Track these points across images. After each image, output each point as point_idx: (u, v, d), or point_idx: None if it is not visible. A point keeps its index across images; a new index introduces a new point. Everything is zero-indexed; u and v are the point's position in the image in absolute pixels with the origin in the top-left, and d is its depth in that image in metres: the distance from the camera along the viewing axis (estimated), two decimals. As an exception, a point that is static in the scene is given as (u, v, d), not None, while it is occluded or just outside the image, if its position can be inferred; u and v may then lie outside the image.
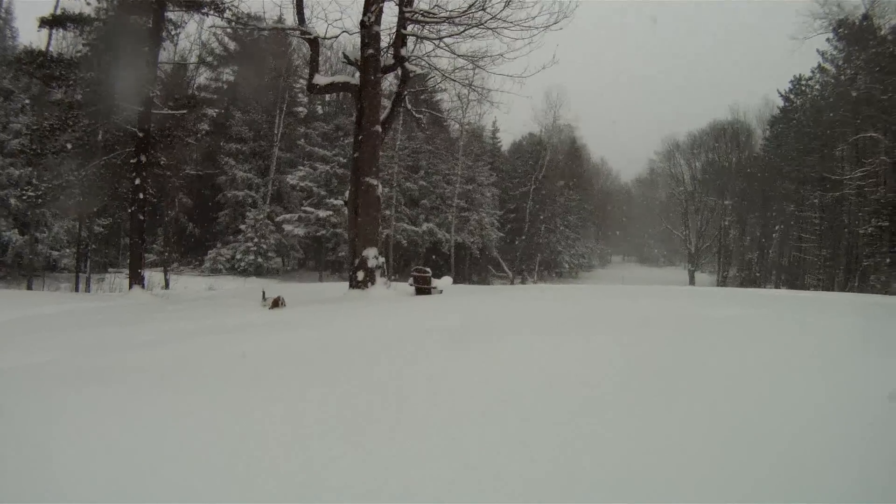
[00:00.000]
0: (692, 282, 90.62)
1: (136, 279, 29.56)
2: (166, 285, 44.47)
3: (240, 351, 9.53)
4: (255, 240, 60.74)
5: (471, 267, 73.63)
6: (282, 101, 63.85)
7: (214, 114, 66.75)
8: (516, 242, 78.72)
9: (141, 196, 29.44)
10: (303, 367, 8.49)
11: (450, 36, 25.13)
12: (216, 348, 10.53)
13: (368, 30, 22.46)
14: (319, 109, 71.78)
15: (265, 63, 63.40)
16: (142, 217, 29.94)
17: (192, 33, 40.58)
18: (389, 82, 30.16)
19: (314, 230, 61.40)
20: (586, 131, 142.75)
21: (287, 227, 61.55)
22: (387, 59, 24.50)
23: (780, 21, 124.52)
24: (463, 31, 24.50)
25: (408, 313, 14.50)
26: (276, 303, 18.37)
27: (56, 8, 33.55)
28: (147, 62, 29.53)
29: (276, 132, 64.12)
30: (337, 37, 26.22)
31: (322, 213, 60.09)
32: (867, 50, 56.37)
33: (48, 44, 38.58)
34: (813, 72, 70.96)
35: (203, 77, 72.22)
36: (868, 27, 57.00)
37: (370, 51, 22.52)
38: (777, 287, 68.70)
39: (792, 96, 76.25)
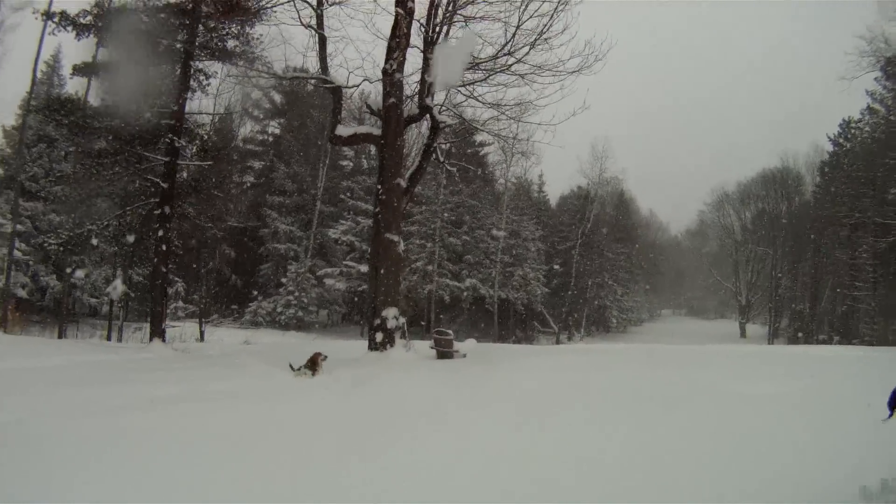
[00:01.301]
0: (743, 335, 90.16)
1: (157, 332, 28.90)
2: (201, 337, 43.84)
3: (205, 426, 9.22)
4: (296, 293, 60.45)
5: (515, 322, 72.46)
6: (325, 155, 63.60)
7: (259, 166, 67.16)
8: (563, 297, 77.21)
9: (164, 248, 28.74)
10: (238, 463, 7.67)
11: (476, 83, 24.39)
12: (174, 422, 9.87)
13: (390, 77, 21.76)
14: (364, 164, 71.44)
15: (309, 116, 63.25)
16: (164, 269, 29.28)
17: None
18: (421, 133, 29.62)
19: (356, 285, 61.05)
20: (634, 183, 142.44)
21: (328, 282, 61.29)
22: (412, 108, 23.73)
23: (829, 62, 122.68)
24: (487, 77, 23.75)
25: (410, 389, 13.75)
26: (314, 364, 16.69)
27: (95, 56, 33.02)
28: (173, 112, 29.00)
29: (318, 185, 63.72)
30: (358, 86, 25.61)
31: (364, 268, 58.58)
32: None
33: (87, 92, 38.16)
34: (862, 113, 69.35)
35: (248, 129, 72.42)
36: (917, 63, 55.92)
37: (392, 99, 21.79)
38: (829, 339, 67.25)
39: (842, 140, 74.37)
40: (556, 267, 78.37)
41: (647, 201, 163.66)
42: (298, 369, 16.68)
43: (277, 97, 70.13)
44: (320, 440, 8.75)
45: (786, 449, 7.65)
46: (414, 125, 33.30)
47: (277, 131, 72.30)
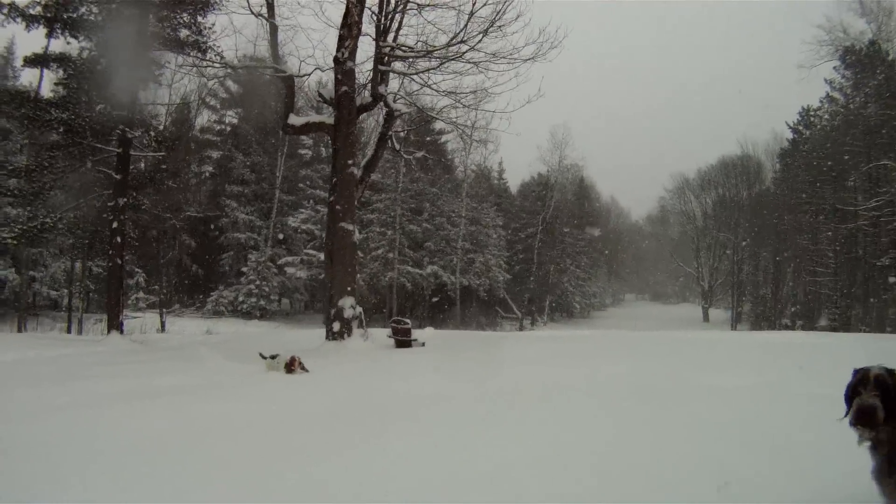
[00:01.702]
0: (706, 319, 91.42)
1: (114, 324, 28.77)
2: (162, 328, 43.60)
3: (145, 425, 8.85)
4: (258, 282, 60.23)
5: (478, 308, 72.55)
6: (283, 144, 63.42)
7: (218, 156, 66.83)
8: (525, 283, 77.42)
9: (118, 240, 28.55)
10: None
11: (428, 70, 24.35)
12: (113, 422, 9.52)
13: (342, 66, 21.68)
14: (323, 152, 71.15)
15: (266, 106, 62.97)
16: (120, 261, 29.09)
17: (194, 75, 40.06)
18: (378, 122, 29.56)
19: (317, 273, 60.39)
20: (595, 170, 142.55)
21: (290, 270, 61.11)
22: (365, 97, 23.67)
23: (787, 51, 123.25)
24: (441, 66, 23.73)
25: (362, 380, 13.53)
26: (292, 365, 15.14)
27: (47, 48, 32.76)
28: (125, 103, 28.80)
29: (277, 174, 63.61)
30: (310, 74, 25.58)
31: (324, 256, 58.73)
32: (876, 76, 55.68)
33: (39, 83, 37.86)
34: (821, 101, 70.03)
35: (205, 119, 72.06)
36: (875, 53, 56.54)
37: (344, 88, 21.72)
38: (792, 324, 67.73)
39: (801, 128, 74.86)
40: (519, 252, 78.50)
41: (607, 188, 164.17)
42: (272, 357, 15.67)
43: (234, 87, 69.77)
44: (270, 439, 8.09)
45: (771, 446, 7.46)
46: (370, 114, 33.25)
47: (235, 121, 71.89)
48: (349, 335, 20.69)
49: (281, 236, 64.83)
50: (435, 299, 67.51)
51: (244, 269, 61.90)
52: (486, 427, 8.47)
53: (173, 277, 61.37)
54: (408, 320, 22.80)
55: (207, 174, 70.37)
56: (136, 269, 55.54)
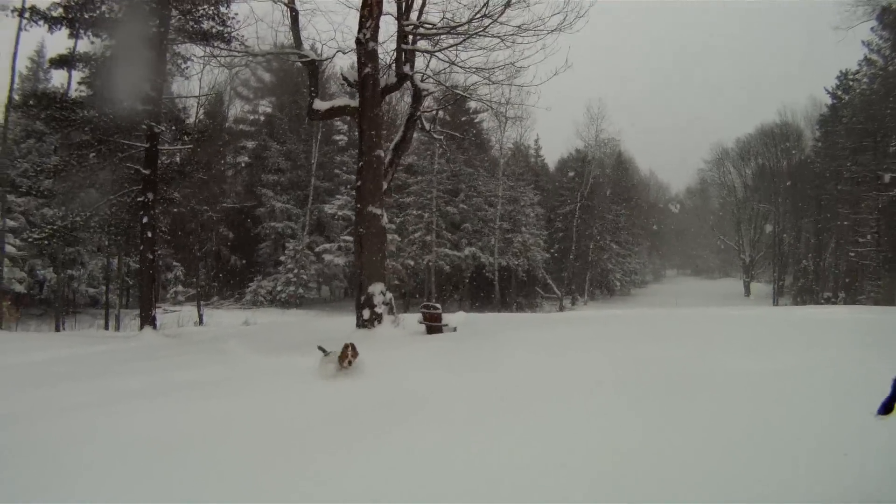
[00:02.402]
0: (748, 293, 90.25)
1: (147, 320, 28.59)
2: (200, 321, 43.52)
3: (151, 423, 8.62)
4: (296, 271, 60.50)
5: (517, 289, 72.13)
6: (317, 131, 63.39)
7: (253, 146, 66.92)
8: (564, 262, 77.21)
9: (149, 235, 28.39)
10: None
11: (453, 47, 23.88)
12: (117, 421, 9.20)
13: (364, 47, 21.17)
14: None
15: (299, 93, 62.96)
16: (151, 256, 28.91)
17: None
18: (406, 102, 29.28)
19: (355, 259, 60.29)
20: (633, 144, 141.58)
21: (327, 258, 60.92)
22: (390, 77, 23.29)
23: (824, 13, 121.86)
24: (465, 41, 23.25)
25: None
26: (345, 358, 11.77)
27: (74, 49, 32.96)
28: (150, 97, 28.61)
29: (312, 161, 63.48)
30: (332, 58, 25.27)
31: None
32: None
33: (69, 84, 37.95)
34: (860, 65, 68.13)
35: (239, 109, 72.18)
36: (914, 12, 55.36)
37: (367, 69, 21.20)
38: (835, 296, 66.98)
39: (840, 92, 72.82)
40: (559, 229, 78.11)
41: (646, 162, 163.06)
42: (326, 353, 12.52)
43: (266, 76, 69.96)
44: (284, 439, 7.70)
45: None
46: (400, 95, 32.97)
47: (269, 110, 71.90)
48: (379, 322, 20.29)
49: (317, 223, 64.66)
50: (474, 281, 67.35)
51: (282, 258, 62.12)
52: (493, 426, 7.99)
53: (211, 269, 61.58)
54: (438, 305, 22.20)
55: (243, 164, 70.51)
56: (175, 263, 55.76)
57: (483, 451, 6.88)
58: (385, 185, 22.42)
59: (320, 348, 13.16)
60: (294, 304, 59.19)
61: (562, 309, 68.67)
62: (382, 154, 21.85)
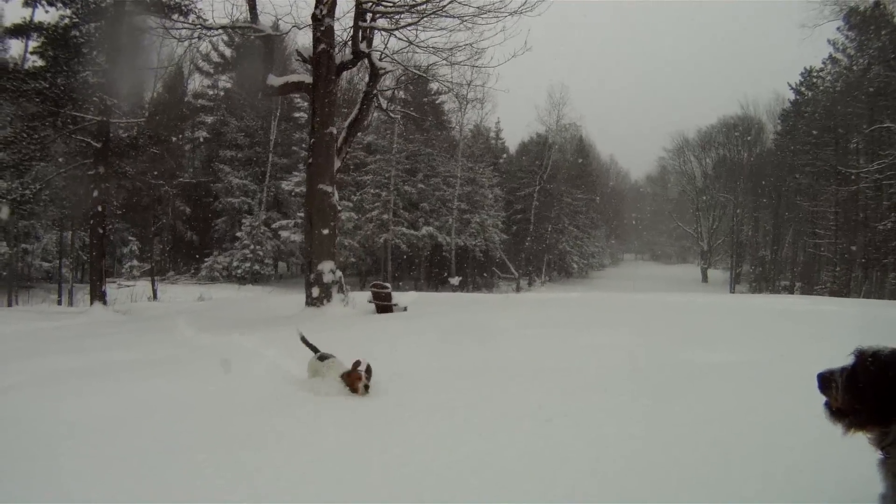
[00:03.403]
0: (705, 279, 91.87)
1: (97, 295, 28.34)
2: (154, 296, 43.17)
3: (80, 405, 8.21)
4: (252, 247, 60.31)
5: (474, 269, 72.64)
6: (276, 107, 62.96)
7: (211, 121, 66.55)
8: (523, 243, 77.37)
9: (100, 209, 28.11)
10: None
11: (411, 26, 23.73)
12: (45, 402, 8.79)
13: (320, 23, 21.07)
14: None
15: (259, 69, 62.67)
16: (101, 231, 28.61)
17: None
18: (360, 80, 29.18)
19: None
20: (594, 130, 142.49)
21: (284, 234, 60.51)
22: (346, 55, 23.10)
23: (789, 12, 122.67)
24: (422, 20, 23.09)
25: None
26: (357, 381, 8.51)
27: (32, 18, 32.39)
28: (102, 70, 28.32)
29: (271, 138, 63.22)
30: (287, 33, 25.12)
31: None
32: (880, 38, 55.27)
33: (24, 54, 37.47)
34: (824, 63, 69.51)
35: (198, 84, 71.67)
36: (880, 14, 56.03)
37: (322, 46, 21.14)
38: (791, 286, 68.34)
39: (803, 89, 74.64)
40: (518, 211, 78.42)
41: (607, 148, 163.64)
42: (320, 358, 9.32)
43: (227, 51, 69.53)
44: (201, 424, 7.53)
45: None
46: (357, 72, 32.86)
47: (229, 85, 71.40)
48: (329, 301, 20.26)
49: (274, 200, 64.58)
50: (432, 261, 67.74)
51: (238, 234, 61.83)
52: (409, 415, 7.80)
53: (168, 244, 61.29)
54: (387, 284, 22.25)
55: (201, 139, 69.99)
56: (130, 238, 55.30)
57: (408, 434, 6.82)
58: (339, 163, 22.33)
59: (304, 340, 10.05)
60: (250, 281, 59.08)
61: (518, 290, 69.34)
62: (335, 132, 21.77)
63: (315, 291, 20.26)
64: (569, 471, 5.55)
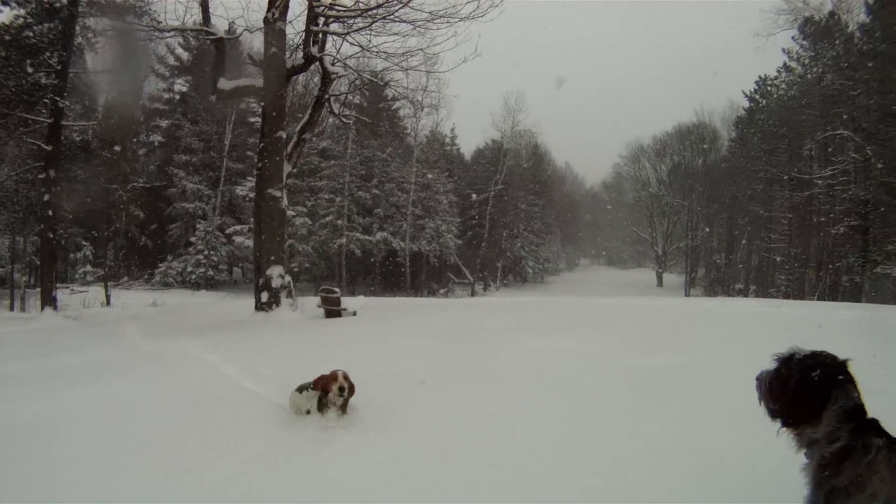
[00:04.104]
0: (660, 284, 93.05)
1: (48, 301, 28.14)
2: (107, 302, 42.81)
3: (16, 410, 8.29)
4: (206, 252, 60.06)
5: (429, 274, 73.28)
6: (232, 112, 62.44)
7: (166, 125, 66.12)
8: (478, 249, 77.83)
9: (50, 213, 27.88)
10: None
11: (363, 30, 23.81)
12: None
13: (272, 26, 21.09)
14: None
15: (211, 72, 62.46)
16: (51, 235, 28.41)
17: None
18: (315, 84, 29.12)
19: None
20: (550, 137, 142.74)
21: (238, 239, 60.13)
22: (297, 59, 23.12)
23: (743, 22, 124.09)
24: (371, 24, 23.20)
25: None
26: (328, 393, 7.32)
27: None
28: (56, 71, 28.12)
29: (225, 143, 62.79)
30: (239, 36, 25.09)
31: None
32: (835, 47, 56.09)
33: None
34: (778, 71, 70.68)
35: (154, 87, 71.13)
36: (835, 24, 56.94)
37: (273, 49, 21.21)
38: (746, 289, 69.41)
39: (757, 97, 75.97)
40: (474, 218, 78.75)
41: (562, 155, 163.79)
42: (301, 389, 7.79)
43: (184, 54, 69.19)
44: (141, 430, 7.52)
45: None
46: (309, 76, 32.88)
47: (185, 89, 71.00)
48: (277, 305, 20.28)
49: (229, 204, 64.49)
50: (386, 266, 68.02)
51: (192, 239, 61.52)
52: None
53: (121, 250, 60.88)
54: (336, 289, 22.28)
55: (156, 143, 69.32)
56: (84, 243, 54.92)
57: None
58: (289, 168, 22.41)
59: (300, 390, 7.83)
60: (204, 286, 58.80)
61: (473, 294, 69.79)
62: (285, 136, 21.82)
63: (264, 296, 20.26)
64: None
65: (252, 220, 57.29)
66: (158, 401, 8.88)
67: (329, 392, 7.12)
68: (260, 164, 21.31)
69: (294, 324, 18.66)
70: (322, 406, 7.31)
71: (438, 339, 14.40)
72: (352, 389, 7.31)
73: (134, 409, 8.41)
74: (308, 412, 7.52)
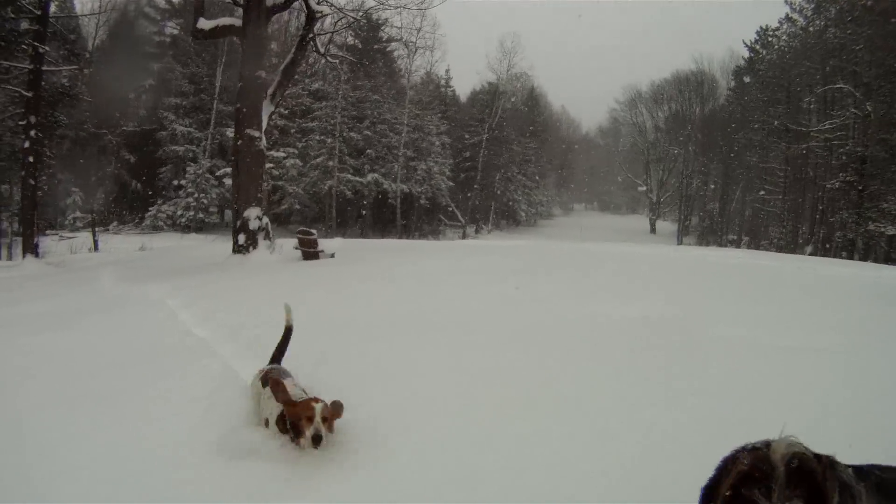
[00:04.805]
0: (653, 230, 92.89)
1: (29, 247, 27.98)
2: (95, 247, 42.54)
3: None
4: (196, 195, 59.84)
5: (420, 216, 73.29)
6: (222, 54, 61.94)
7: (156, 68, 65.68)
8: (471, 191, 78.07)
9: (31, 160, 27.60)
10: None
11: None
12: None
13: (252, -38, 20.62)
14: (265, 62, 70.13)
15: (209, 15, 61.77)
16: (33, 182, 28.17)
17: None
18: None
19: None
20: (546, 80, 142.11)
21: (229, 181, 59.53)
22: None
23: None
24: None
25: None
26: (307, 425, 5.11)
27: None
28: (35, 17, 27.78)
29: (216, 85, 62.36)
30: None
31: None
32: (837, 1, 55.68)
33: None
34: (780, 22, 70.50)
35: (146, 31, 70.57)
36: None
37: (252, -14, 20.70)
38: (739, 240, 70.21)
39: (758, 47, 75.97)
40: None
41: (559, 98, 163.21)
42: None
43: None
44: (74, 380, 7.17)
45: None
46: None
47: (176, 31, 70.38)
48: (255, 248, 20.16)
49: (219, 147, 64.14)
50: (378, 208, 68.53)
51: (182, 183, 61.26)
52: None
53: (111, 194, 60.45)
54: (313, 231, 22.14)
55: (147, 87, 68.80)
56: (73, 189, 54.55)
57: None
58: (272, 108, 22.10)
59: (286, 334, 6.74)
60: (194, 229, 58.77)
61: (464, 237, 70.17)
62: (265, 75, 21.51)
63: (241, 238, 20.14)
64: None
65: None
66: (108, 349, 8.65)
67: (300, 426, 5.22)
68: (238, 104, 21.05)
69: (268, 266, 18.54)
70: (284, 429, 5.46)
71: (406, 281, 14.27)
72: (334, 412, 5.35)
73: (82, 358, 8.19)
74: (266, 424, 5.70)
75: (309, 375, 6.45)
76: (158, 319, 10.74)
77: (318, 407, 5.17)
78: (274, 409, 5.51)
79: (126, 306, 12.41)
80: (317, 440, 5.06)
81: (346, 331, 9.15)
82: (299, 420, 5.19)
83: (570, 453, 4.91)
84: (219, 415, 5.98)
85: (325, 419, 5.17)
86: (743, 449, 2.29)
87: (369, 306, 11.50)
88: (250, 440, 5.41)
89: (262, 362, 6.48)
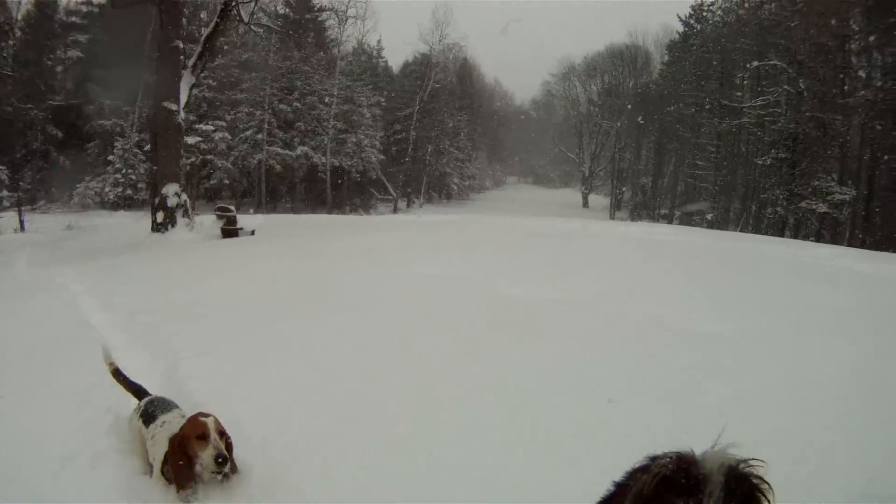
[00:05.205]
0: (586, 205, 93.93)
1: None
2: (21, 227, 41.85)
3: None
4: (124, 171, 59.07)
5: (351, 190, 73.13)
6: (150, 24, 60.54)
7: (84, 39, 64.69)
8: (402, 165, 77.79)
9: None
10: None
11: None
12: None
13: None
14: (196, 34, 69.42)
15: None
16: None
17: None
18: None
19: (184, 158, 59.01)
20: (480, 52, 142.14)
21: (155, 157, 58.96)
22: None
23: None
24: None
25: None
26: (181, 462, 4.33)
27: None
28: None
29: (144, 56, 60.82)
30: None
31: (191, 140, 57.29)
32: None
33: None
34: (715, -3, 70.85)
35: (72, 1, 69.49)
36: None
37: (167, -49, 20.39)
38: (671, 215, 71.36)
39: (692, 21, 76.35)
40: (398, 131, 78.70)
41: (492, 70, 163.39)
42: (147, 416, 4.93)
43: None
44: None
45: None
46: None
47: (104, 1, 69.44)
48: (174, 226, 19.98)
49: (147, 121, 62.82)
50: (309, 182, 68.60)
51: (110, 158, 60.28)
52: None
53: (38, 171, 59.45)
54: (232, 207, 22.02)
55: (74, 59, 67.71)
56: (-1, 167, 53.73)
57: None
58: (192, 79, 21.78)
59: (116, 374, 5.71)
60: (123, 206, 57.86)
61: (396, 211, 70.33)
62: (181, 45, 21.27)
63: (160, 216, 20.01)
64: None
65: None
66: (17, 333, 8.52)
67: (194, 458, 4.31)
68: (155, 76, 20.77)
69: (183, 246, 18.44)
70: (176, 473, 4.38)
71: (320, 259, 14.16)
72: (225, 447, 4.39)
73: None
74: (150, 472, 4.74)
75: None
76: (55, 308, 10.54)
77: (209, 421, 4.36)
78: (159, 449, 4.53)
79: (33, 292, 12.24)
80: (221, 460, 4.24)
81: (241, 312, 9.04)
82: (188, 447, 4.30)
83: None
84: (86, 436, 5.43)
85: (221, 434, 4.38)
86: (662, 456, 1.86)
87: (272, 286, 11.33)
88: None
89: (155, 352, 6.40)
